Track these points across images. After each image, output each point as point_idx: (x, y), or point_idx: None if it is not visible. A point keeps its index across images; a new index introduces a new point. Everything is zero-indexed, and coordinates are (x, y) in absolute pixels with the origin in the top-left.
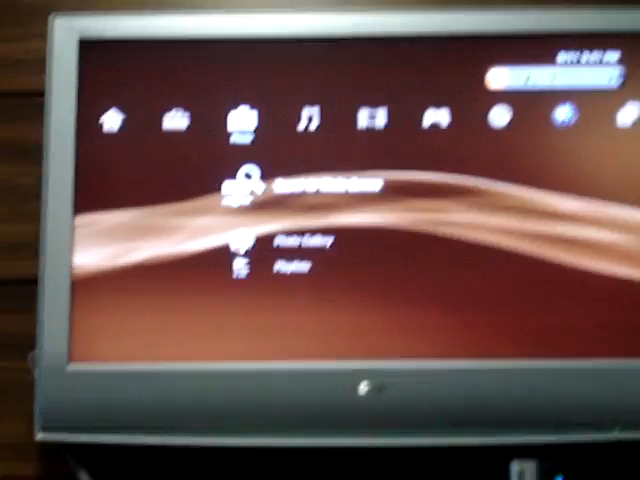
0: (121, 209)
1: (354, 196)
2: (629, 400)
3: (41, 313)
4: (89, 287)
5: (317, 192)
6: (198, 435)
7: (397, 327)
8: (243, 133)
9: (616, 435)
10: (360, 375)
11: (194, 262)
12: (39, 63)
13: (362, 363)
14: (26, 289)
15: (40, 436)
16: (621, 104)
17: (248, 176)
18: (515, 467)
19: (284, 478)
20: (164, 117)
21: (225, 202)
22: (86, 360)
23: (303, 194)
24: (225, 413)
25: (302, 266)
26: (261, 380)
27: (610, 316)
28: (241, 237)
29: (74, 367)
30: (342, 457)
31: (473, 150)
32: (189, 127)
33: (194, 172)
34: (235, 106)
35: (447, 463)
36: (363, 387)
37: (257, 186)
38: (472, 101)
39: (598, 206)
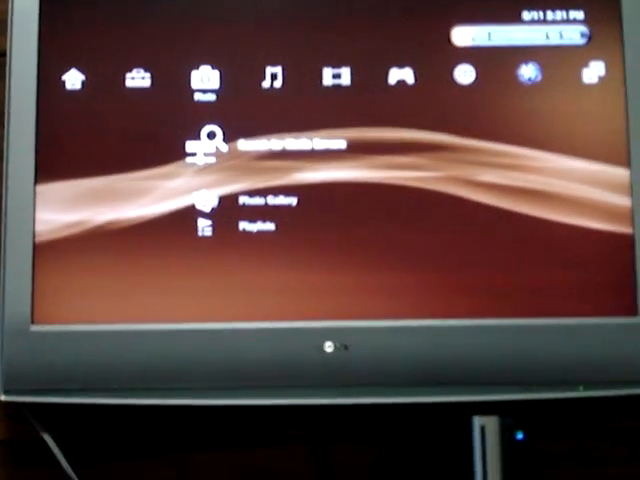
0: (84, 177)
1: (320, 154)
2: (592, 358)
3: (3, 275)
4: (52, 250)
5: (282, 150)
6: (162, 396)
7: (362, 286)
8: (206, 92)
9: (579, 393)
10: (325, 334)
11: (158, 223)
12: (1, 24)
13: (327, 322)
14: None
15: (2, 397)
16: (586, 61)
17: (212, 136)
18: (477, 423)
19: (250, 438)
20: (125, 76)
21: (189, 162)
22: (49, 322)
23: (268, 153)
24: (190, 373)
25: (267, 225)
26: (225, 340)
27: (575, 274)
28: (205, 197)
29: (37, 328)
30: (307, 415)
31: (439, 107)
32: (151, 87)
33: (157, 133)
34: (197, 65)
35: (410, 419)
36: (328, 346)
37: (221, 145)
38: (437, 59)
39: (565, 160)
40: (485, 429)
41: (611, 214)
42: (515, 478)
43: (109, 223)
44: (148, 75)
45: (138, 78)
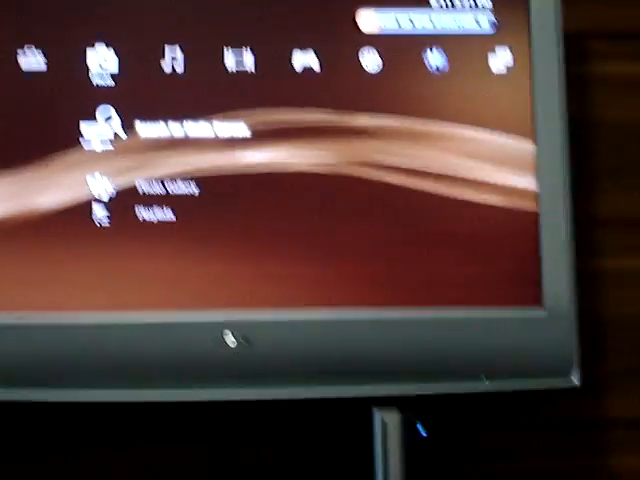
0: None
1: (223, 140)
2: (496, 350)
3: None
4: None
5: (184, 137)
6: (51, 393)
7: (264, 276)
8: (103, 74)
9: (483, 386)
10: (226, 325)
11: (53, 213)
12: None
13: (228, 313)
14: None
15: None
16: (493, 49)
17: (109, 120)
18: (378, 418)
19: (145, 436)
20: (17, 55)
21: (85, 149)
22: None
23: (168, 139)
24: (86, 366)
25: (167, 213)
26: (125, 331)
27: (480, 263)
28: (102, 185)
29: None
30: (205, 412)
31: (345, 92)
32: (45, 68)
33: (51, 118)
34: (92, 44)
35: (312, 415)
36: (228, 337)
37: (119, 131)
38: (341, 44)
39: (470, 135)
40: (387, 425)
41: (517, 196)
42: (416, 474)
43: (4, 215)
44: (41, 53)
45: (31, 57)
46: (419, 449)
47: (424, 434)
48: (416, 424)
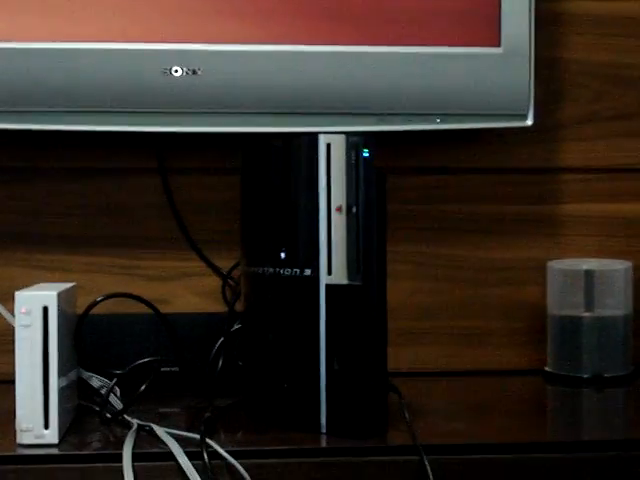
0: None
1: None
2: (451, 89)
3: None
4: None
5: None
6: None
7: (216, 8)
8: None
9: (435, 125)
10: (173, 58)
11: None
12: None
13: (176, 45)
14: None
15: None
16: None
17: None
18: (322, 140)
19: (99, 168)
20: None
21: None
22: None
23: None
24: (36, 94)
25: None
26: (71, 59)
27: (434, 1)
28: None
29: None
30: (156, 145)
31: None
32: None
33: None
34: None
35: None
36: (175, 71)
37: None
38: None
39: None
40: (331, 146)
41: None
42: (358, 190)
43: None
44: None
45: None
46: (362, 170)
47: (367, 155)
48: (360, 146)
